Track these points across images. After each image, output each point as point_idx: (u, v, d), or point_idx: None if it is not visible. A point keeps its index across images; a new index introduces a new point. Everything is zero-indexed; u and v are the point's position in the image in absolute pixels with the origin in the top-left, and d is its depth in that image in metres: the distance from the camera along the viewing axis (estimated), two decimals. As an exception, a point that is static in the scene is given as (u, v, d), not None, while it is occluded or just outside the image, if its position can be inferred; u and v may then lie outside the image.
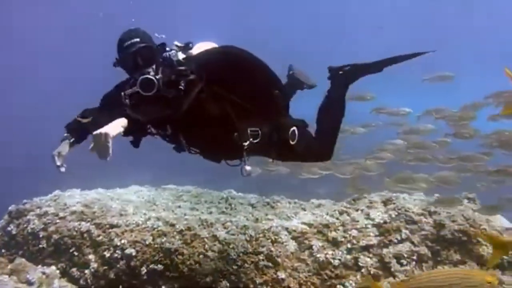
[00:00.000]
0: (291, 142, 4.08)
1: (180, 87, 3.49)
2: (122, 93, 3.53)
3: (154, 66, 3.57)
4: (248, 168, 3.89)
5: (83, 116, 3.85)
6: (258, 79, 3.90)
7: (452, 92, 9.76)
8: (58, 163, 3.51)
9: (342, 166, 7.52)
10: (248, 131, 3.81)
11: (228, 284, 4.98)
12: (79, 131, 3.77)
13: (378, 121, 8.25)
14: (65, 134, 3.71)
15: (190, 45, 3.82)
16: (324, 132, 4.52)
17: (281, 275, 5.03)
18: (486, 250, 5.10)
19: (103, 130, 3.09)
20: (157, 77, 3.49)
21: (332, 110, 4.66)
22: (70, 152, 3.62)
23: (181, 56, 3.73)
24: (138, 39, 3.58)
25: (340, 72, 4.70)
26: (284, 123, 4.10)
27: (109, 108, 3.83)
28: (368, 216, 5.65)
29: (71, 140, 3.69)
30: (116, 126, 3.21)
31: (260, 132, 3.85)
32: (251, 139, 3.81)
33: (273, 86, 3.97)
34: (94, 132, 3.10)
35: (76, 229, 5.64)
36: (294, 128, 4.11)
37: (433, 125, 7.51)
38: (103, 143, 3.06)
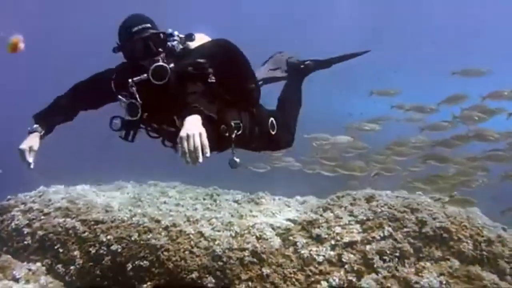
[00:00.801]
0: (272, 132, 4.18)
1: (211, 80, 3.45)
2: (130, 80, 3.38)
3: (162, 55, 3.45)
4: (237, 160, 3.90)
5: (57, 105, 3.76)
6: (243, 73, 3.95)
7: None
8: (30, 160, 3.38)
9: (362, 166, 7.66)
10: (232, 123, 3.84)
11: (213, 280, 5.02)
12: (49, 122, 3.68)
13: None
14: (34, 126, 3.56)
15: (193, 36, 3.75)
16: (286, 121, 4.66)
17: (266, 271, 5.08)
18: (467, 246, 5.20)
19: (195, 129, 2.80)
20: (170, 66, 3.39)
21: (292, 101, 4.95)
22: (41, 145, 3.49)
23: (180, 47, 3.70)
24: (149, 25, 3.47)
25: (302, 66, 5.04)
26: (261, 114, 4.18)
27: (92, 95, 3.75)
28: (351, 213, 5.71)
29: (42, 133, 3.56)
30: (200, 124, 2.90)
31: (241, 124, 3.89)
32: (235, 131, 3.84)
33: (251, 80, 4.03)
34: (183, 133, 2.77)
35: (61, 225, 5.62)
36: (272, 119, 4.21)
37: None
38: (198, 144, 2.76)
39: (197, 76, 3.45)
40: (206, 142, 2.79)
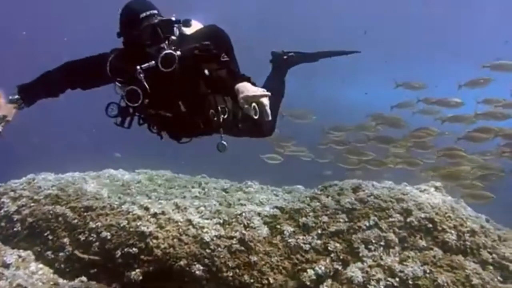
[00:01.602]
0: (255, 117, 4.22)
1: (224, 59, 3.57)
2: (138, 67, 3.40)
3: (166, 42, 3.48)
4: (225, 143, 3.97)
5: (44, 80, 3.72)
6: (230, 58, 3.99)
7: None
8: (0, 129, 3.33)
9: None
10: (219, 107, 3.89)
11: (201, 267, 5.06)
12: (32, 95, 3.64)
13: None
14: (16, 97, 3.52)
15: (190, 23, 3.73)
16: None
17: (254, 258, 5.15)
18: (451, 237, 5.29)
19: (260, 90, 3.05)
20: (177, 53, 3.42)
21: (274, 91, 4.97)
22: (16, 117, 3.45)
23: (177, 32, 3.69)
24: (156, 11, 3.47)
25: (285, 57, 5.18)
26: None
27: (84, 75, 3.75)
28: (338, 203, 5.78)
29: (21, 106, 3.54)
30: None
31: (226, 108, 3.93)
32: (222, 115, 3.89)
33: (235, 64, 4.08)
34: (253, 93, 3.01)
35: (50, 212, 5.63)
36: (254, 104, 4.26)
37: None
38: (268, 102, 3.02)
39: (209, 57, 3.55)
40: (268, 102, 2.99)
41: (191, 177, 7.59)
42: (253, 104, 3.02)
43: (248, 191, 6.84)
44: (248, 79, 3.27)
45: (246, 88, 3.08)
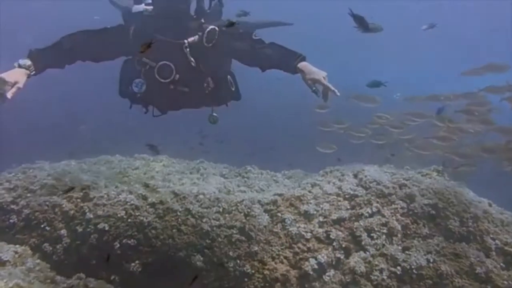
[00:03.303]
0: (232, 89, 4.27)
1: (256, 37, 3.65)
2: (185, 41, 3.51)
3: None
4: (216, 115, 4.07)
5: (59, 48, 3.62)
6: None
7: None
8: (9, 96, 3.14)
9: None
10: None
11: (201, 258, 5.02)
12: (44, 64, 3.50)
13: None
14: (28, 63, 3.36)
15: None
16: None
17: (254, 248, 5.09)
18: (454, 223, 5.23)
19: (324, 72, 3.25)
20: (217, 28, 3.57)
21: None
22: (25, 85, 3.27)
23: None
24: None
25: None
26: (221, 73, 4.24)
27: (101, 47, 3.71)
28: (340, 189, 5.71)
29: (32, 73, 3.39)
30: None
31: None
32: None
33: None
34: (321, 75, 3.22)
35: (47, 203, 5.52)
36: (229, 76, 4.29)
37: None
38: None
39: (240, 35, 3.70)
40: None
41: (189, 162, 7.49)
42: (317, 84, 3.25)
43: (247, 176, 6.75)
44: (305, 58, 3.43)
45: (310, 70, 3.29)
